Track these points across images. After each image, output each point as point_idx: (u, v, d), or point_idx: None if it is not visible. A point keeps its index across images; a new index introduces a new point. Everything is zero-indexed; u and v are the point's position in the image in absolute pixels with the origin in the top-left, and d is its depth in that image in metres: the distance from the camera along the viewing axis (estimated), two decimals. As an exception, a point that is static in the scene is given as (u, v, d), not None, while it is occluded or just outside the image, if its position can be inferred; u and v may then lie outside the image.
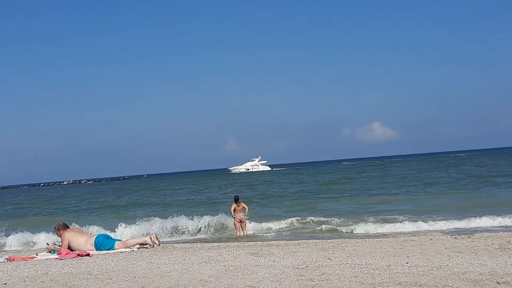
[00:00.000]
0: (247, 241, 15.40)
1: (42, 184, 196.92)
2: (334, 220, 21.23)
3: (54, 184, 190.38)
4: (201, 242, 16.66)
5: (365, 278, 7.13)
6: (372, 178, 54.85)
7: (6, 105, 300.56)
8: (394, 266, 8.11)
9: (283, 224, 21.32)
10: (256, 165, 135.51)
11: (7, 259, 11.96)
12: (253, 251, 11.07)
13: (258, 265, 8.84)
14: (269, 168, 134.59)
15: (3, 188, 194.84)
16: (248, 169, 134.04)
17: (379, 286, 6.56)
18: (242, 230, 19.09)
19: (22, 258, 12.17)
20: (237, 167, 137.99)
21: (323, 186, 47.37)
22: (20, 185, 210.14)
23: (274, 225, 21.19)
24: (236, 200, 19.21)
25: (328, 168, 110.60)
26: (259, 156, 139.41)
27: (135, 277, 8.14)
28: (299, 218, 22.04)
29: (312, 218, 22.07)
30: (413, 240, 12.19)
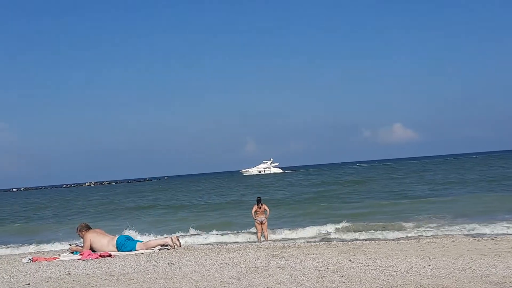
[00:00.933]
0: (267, 243, 15.39)
1: (64, 185, 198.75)
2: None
3: (77, 185, 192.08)
4: (222, 243, 16.70)
5: (387, 280, 7.08)
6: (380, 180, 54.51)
7: (31, 107, 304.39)
8: (416, 268, 8.05)
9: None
10: (268, 168, 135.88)
11: (30, 259, 12.12)
12: (274, 253, 11.06)
13: (279, 267, 8.83)
14: (281, 171, 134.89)
15: (26, 189, 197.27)
16: (260, 172, 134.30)
17: (400, 288, 6.52)
18: (263, 232, 19.06)
19: (45, 258, 12.31)
20: (249, 169, 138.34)
21: (350, 187, 47.20)
22: (43, 186, 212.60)
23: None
24: (258, 201, 19.19)
25: (344, 170, 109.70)
26: (271, 159, 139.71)
27: (156, 278, 8.18)
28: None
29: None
30: (435, 242, 12.10)
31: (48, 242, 20.69)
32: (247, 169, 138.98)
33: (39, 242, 21.08)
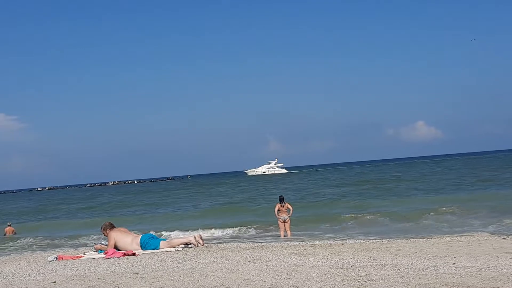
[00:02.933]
0: (290, 241, 15.38)
1: (88, 185, 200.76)
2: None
3: (100, 185, 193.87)
4: (245, 242, 16.73)
5: (411, 278, 7.04)
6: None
7: (54, 107, 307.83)
8: (440, 267, 7.98)
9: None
10: (272, 168, 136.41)
11: (56, 258, 12.27)
12: (297, 251, 11.05)
13: (302, 265, 8.83)
14: (285, 171, 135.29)
15: (50, 189, 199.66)
16: (264, 172, 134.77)
17: (425, 287, 6.46)
18: (286, 230, 19.08)
19: (70, 257, 12.46)
20: (254, 169, 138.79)
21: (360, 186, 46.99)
22: (67, 185, 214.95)
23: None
24: (281, 200, 19.22)
25: (355, 170, 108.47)
26: (276, 159, 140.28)
27: (180, 276, 8.24)
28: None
29: None
30: (459, 241, 11.98)
31: None
32: (251, 169, 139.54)
33: None
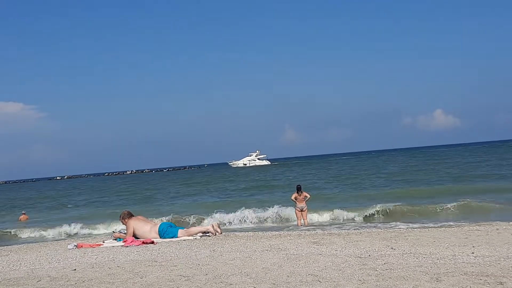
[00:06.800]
0: (308, 230, 15.39)
1: (106, 173, 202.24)
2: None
3: (118, 173, 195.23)
4: (262, 230, 16.76)
5: (430, 267, 7.02)
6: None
7: (73, 97, 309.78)
8: (459, 256, 7.95)
9: None
10: (253, 160, 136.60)
11: (76, 246, 12.42)
12: (315, 240, 11.07)
13: (320, 254, 8.84)
14: (268, 163, 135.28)
15: (69, 177, 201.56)
16: (245, 164, 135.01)
17: (444, 276, 6.44)
18: (303, 219, 19.09)
19: (89, 245, 12.60)
20: (236, 162, 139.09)
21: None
22: (86, 174, 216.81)
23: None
24: (298, 189, 19.22)
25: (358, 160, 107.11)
26: (257, 151, 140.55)
27: (198, 264, 8.29)
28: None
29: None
30: (478, 230, 11.90)
31: None
32: (233, 161, 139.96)
33: None
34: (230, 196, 38.20)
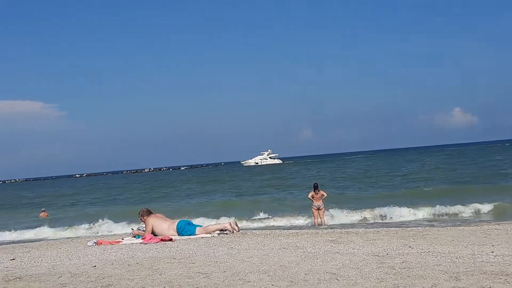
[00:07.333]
0: (325, 229, 15.39)
1: (125, 171, 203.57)
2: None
3: (136, 171, 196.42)
4: (279, 229, 16.80)
5: (448, 266, 6.99)
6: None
7: (94, 95, 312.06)
8: (478, 255, 7.90)
9: None
10: (265, 159, 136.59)
11: (95, 243, 12.54)
12: (332, 238, 11.06)
13: (338, 252, 8.83)
14: (280, 161, 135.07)
15: (88, 175, 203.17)
16: (257, 163, 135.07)
17: (463, 275, 6.41)
18: (320, 217, 19.09)
19: (109, 242, 12.71)
20: (248, 160, 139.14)
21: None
22: (104, 172, 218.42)
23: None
24: (315, 187, 19.22)
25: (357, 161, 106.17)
26: (269, 150, 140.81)
27: (216, 262, 8.33)
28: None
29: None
30: (497, 229, 11.81)
31: None
32: (245, 160, 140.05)
33: None
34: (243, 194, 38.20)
